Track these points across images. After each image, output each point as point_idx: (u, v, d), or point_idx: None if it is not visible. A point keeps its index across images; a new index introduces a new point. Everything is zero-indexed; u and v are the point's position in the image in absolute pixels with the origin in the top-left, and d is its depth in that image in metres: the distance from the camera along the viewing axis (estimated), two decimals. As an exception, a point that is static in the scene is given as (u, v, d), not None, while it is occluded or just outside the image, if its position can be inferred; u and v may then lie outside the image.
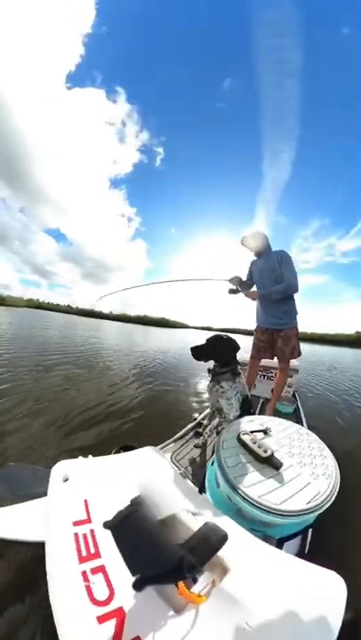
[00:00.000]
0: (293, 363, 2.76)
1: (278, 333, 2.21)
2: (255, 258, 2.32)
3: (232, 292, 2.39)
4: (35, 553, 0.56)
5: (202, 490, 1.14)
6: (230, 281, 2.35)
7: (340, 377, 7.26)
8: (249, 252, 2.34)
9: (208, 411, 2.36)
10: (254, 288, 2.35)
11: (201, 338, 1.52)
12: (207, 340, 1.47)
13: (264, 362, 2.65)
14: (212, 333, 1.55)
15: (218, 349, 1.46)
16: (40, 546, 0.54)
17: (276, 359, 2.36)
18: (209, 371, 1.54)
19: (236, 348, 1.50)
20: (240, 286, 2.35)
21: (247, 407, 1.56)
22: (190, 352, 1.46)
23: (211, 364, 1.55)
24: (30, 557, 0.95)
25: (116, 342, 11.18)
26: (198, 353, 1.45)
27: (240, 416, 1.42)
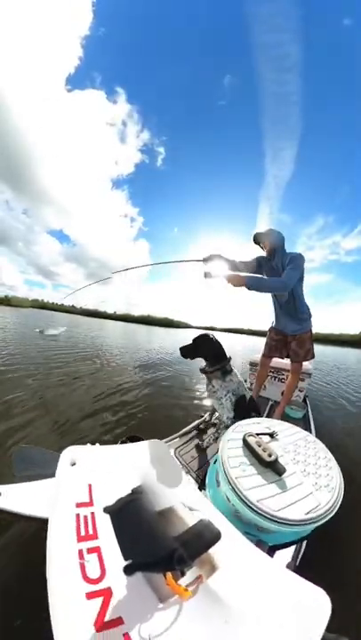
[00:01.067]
0: (307, 366, 2.67)
1: (294, 336, 2.16)
2: (268, 257, 2.18)
3: (209, 275, 1.80)
4: (39, 527, 0.61)
5: (202, 487, 1.16)
6: (206, 260, 1.79)
7: (346, 378, 7.07)
8: (257, 251, 2.12)
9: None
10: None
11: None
12: (193, 340, 1.52)
13: (276, 363, 2.59)
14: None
15: (201, 348, 1.51)
16: (44, 522, 0.59)
17: (286, 360, 2.30)
18: (201, 370, 1.56)
19: (218, 346, 1.52)
20: (235, 266, 1.88)
21: (245, 406, 1.51)
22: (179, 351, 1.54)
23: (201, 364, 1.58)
24: (34, 531, 1.05)
25: (121, 342, 11.48)
26: (185, 351, 1.52)
27: (237, 417, 1.41)
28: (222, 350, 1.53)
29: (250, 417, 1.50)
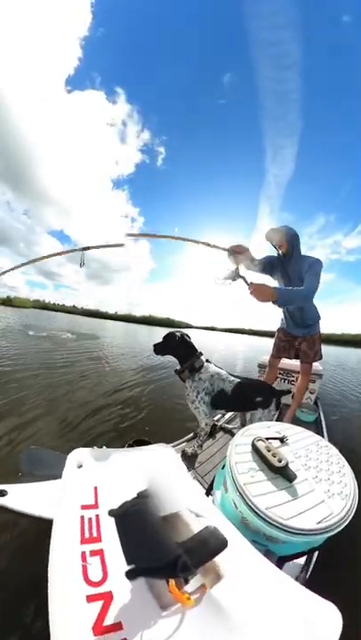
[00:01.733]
0: (317, 367, 2.61)
1: (304, 338, 2.14)
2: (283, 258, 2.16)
3: (231, 277, 1.37)
4: (43, 528, 0.61)
5: (209, 492, 1.14)
6: (230, 252, 1.41)
7: (353, 378, 6.94)
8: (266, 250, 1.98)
9: (227, 414, 2.32)
10: (267, 280, 1.83)
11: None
12: (163, 337, 1.53)
13: (285, 364, 2.54)
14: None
15: (168, 346, 1.50)
16: (49, 522, 0.59)
17: (295, 361, 2.26)
18: (175, 372, 1.54)
19: (183, 344, 1.49)
20: (253, 265, 1.67)
21: (229, 398, 1.42)
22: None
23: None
24: (38, 531, 1.06)
25: (124, 342, 11.62)
26: (156, 348, 1.53)
27: (230, 409, 1.33)
28: (189, 348, 1.49)
29: (246, 406, 1.43)
